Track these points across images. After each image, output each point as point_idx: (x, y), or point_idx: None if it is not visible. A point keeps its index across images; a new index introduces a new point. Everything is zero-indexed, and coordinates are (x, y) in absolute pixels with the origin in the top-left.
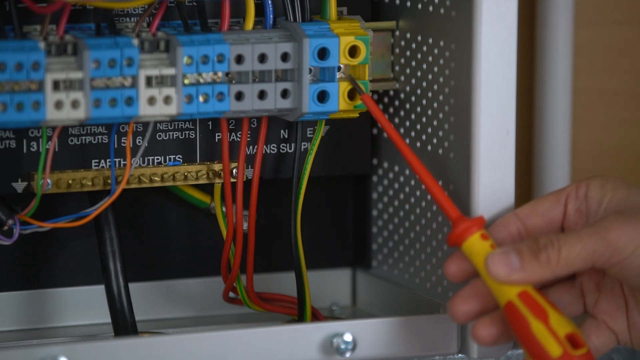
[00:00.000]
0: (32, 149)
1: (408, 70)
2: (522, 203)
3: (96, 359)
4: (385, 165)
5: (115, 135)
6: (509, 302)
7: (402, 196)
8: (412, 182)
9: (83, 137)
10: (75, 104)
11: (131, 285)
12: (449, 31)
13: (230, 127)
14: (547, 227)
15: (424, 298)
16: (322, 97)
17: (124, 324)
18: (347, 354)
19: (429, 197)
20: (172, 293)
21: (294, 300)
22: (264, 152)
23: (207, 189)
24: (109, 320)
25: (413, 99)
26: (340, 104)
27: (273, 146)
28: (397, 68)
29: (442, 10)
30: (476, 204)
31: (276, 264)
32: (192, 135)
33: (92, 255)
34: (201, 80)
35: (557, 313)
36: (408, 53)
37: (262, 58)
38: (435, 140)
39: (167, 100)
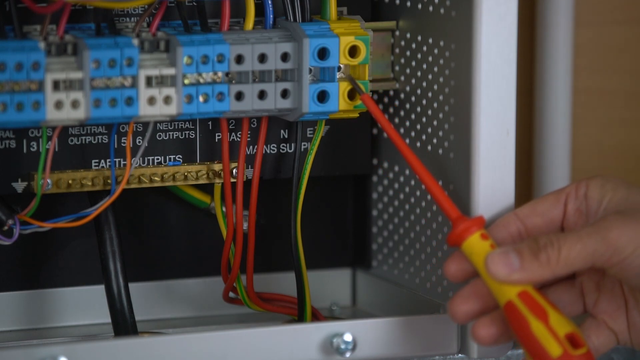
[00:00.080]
0: (32, 149)
1: (408, 70)
2: (522, 203)
3: (96, 359)
4: (385, 165)
5: (115, 135)
6: (509, 301)
7: (402, 196)
8: (412, 182)
9: (83, 137)
10: (75, 104)
11: (131, 285)
12: (449, 31)
13: (230, 127)
14: (547, 227)
15: (424, 298)
16: (322, 97)
17: (124, 324)
18: (347, 354)
19: (429, 197)
20: (172, 293)
21: (294, 300)
22: (264, 152)
23: (207, 189)
24: (109, 320)
25: (413, 99)
26: (340, 104)
27: (273, 146)
28: (397, 68)
29: (442, 10)
30: (476, 204)
31: (276, 264)
32: (192, 135)
33: (92, 255)
34: (201, 80)
35: (557, 313)
36: (408, 53)
37: (262, 58)
38: (435, 140)
39: (167, 100)
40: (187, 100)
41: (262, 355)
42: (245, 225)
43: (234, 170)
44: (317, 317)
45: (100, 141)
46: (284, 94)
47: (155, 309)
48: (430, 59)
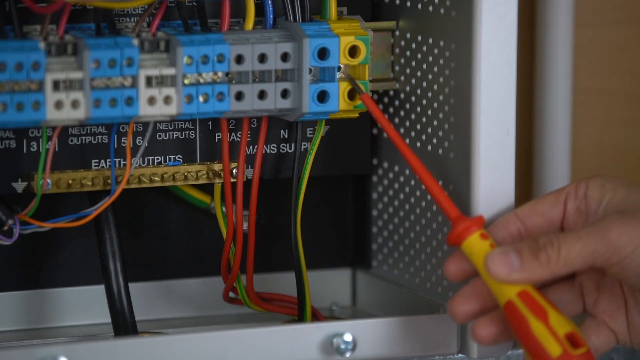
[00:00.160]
0: (32, 149)
1: (408, 70)
2: (522, 203)
3: (96, 359)
4: (385, 165)
5: (115, 135)
6: (509, 301)
7: (402, 196)
8: (412, 182)
9: (83, 137)
10: (75, 104)
11: (131, 285)
12: (449, 31)
13: (230, 127)
14: (546, 226)
15: (424, 298)
16: (322, 97)
17: (124, 324)
18: (347, 354)
19: (429, 197)
20: (172, 293)
21: (294, 300)
22: (264, 152)
23: (207, 189)
24: (109, 320)
25: (413, 99)
26: (340, 104)
27: (273, 146)
28: (397, 68)
29: (442, 10)
30: (476, 204)
31: (276, 264)
32: (192, 135)
33: (92, 255)
34: (201, 80)
35: (557, 312)
36: (408, 53)
37: (262, 58)
38: (435, 140)
39: (167, 100)
40: (187, 100)
41: (262, 355)
42: (245, 225)
43: (234, 170)
44: (317, 317)
45: (100, 141)
46: (284, 94)
47: (155, 309)
48: (430, 59)
